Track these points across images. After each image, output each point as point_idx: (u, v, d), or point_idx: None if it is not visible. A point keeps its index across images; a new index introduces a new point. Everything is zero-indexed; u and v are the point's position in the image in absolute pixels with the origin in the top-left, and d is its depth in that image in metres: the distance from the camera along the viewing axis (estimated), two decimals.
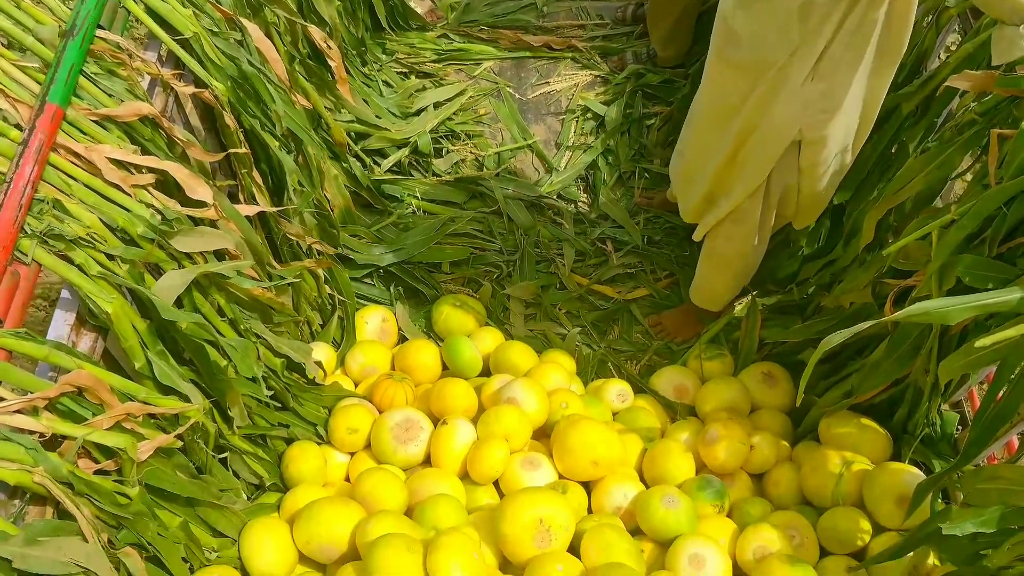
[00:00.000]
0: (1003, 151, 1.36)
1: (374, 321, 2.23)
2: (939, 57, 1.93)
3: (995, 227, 1.39)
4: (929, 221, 1.48)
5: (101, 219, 1.37)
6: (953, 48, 1.85)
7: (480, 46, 2.94)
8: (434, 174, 2.61)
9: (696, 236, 2.12)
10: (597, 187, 2.62)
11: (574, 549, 1.67)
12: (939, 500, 1.68)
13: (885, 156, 1.95)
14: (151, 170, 1.47)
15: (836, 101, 1.70)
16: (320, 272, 2.05)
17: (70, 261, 1.33)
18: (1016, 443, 1.63)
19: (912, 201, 1.73)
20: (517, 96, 2.87)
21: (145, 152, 1.48)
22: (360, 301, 2.31)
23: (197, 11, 1.71)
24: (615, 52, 2.95)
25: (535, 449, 1.93)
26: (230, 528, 1.64)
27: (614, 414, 2.08)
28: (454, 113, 2.73)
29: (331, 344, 2.15)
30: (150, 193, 1.45)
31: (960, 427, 1.82)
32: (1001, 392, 1.37)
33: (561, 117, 2.82)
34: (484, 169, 2.66)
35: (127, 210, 1.41)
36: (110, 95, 1.44)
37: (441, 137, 2.69)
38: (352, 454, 1.95)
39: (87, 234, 1.34)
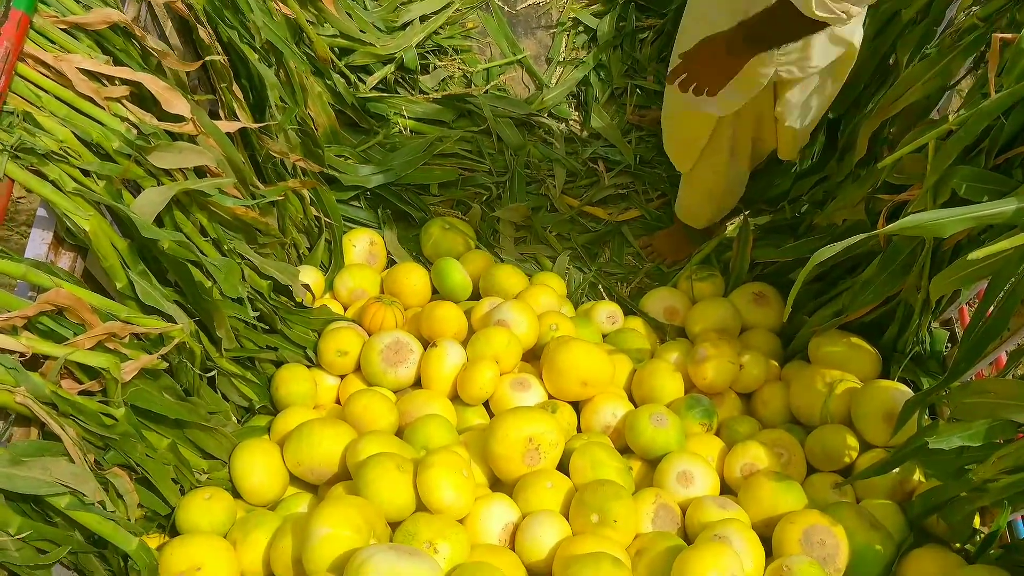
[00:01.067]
0: (1004, 58, 1.32)
1: (362, 244, 2.20)
2: None
3: (992, 137, 1.36)
4: (926, 132, 1.45)
5: (74, 133, 1.32)
6: None
7: None
8: (421, 91, 2.53)
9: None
10: (589, 104, 2.56)
11: (563, 467, 1.68)
12: (926, 417, 1.70)
13: (882, 68, 1.90)
14: (125, 82, 1.41)
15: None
16: (305, 193, 2.00)
17: (44, 177, 1.29)
18: (1004, 359, 1.64)
19: (909, 113, 1.69)
20: (506, 8, 2.77)
21: (118, 63, 1.42)
22: (347, 224, 2.27)
23: None
24: None
25: (525, 371, 1.93)
26: (220, 450, 1.64)
27: (604, 336, 2.08)
28: (441, 27, 2.64)
29: (319, 268, 2.12)
30: (125, 106, 1.40)
31: (949, 345, 1.82)
32: (991, 308, 1.36)
33: (552, 31, 2.73)
34: (472, 86, 2.59)
35: (101, 124, 1.36)
36: (77, 2, 1.38)
37: (428, 52, 2.61)
38: (342, 377, 1.94)
39: (60, 148, 1.29)
